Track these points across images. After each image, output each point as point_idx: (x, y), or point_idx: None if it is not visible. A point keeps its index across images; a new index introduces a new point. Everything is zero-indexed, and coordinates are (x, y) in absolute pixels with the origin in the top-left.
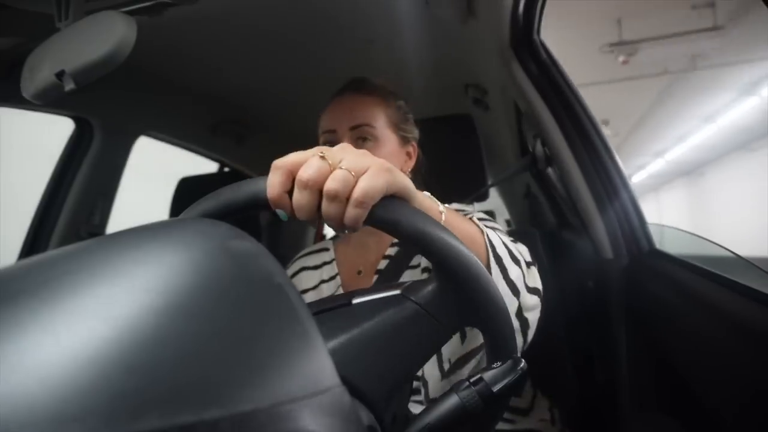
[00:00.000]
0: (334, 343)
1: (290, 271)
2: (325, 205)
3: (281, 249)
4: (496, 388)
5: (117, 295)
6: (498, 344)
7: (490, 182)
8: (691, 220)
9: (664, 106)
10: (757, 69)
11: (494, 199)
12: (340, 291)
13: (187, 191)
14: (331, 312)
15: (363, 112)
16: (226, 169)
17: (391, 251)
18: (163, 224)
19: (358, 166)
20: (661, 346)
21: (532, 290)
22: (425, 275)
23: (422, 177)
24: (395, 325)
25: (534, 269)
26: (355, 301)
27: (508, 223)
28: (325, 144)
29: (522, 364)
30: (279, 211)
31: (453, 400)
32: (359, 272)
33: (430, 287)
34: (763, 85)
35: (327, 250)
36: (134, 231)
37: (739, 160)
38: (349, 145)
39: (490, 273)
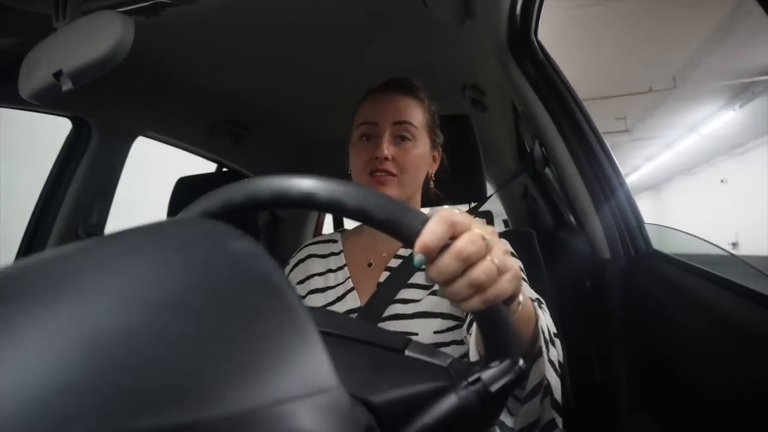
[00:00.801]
0: (383, 388)
1: (298, 257)
2: (462, 285)
3: (279, 249)
4: (494, 388)
5: (115, 295)
6: (496, 344)
7: (487, 182)
8: (655, 220)
9: (614, 153)
10: (662, 139)
11: (492, 199)
12: (350, 282)
13: (185, 191)
14: (382, 350)
15: (407, 110)
16: (224, 170)
17: (404, 252)
18: (161, 224)
19: (504, 265)
20: (658, 345)
21: (561, 366)
22: None
23: (441, 179)
24: (431, 395)
25: (558, 342)
26: (408, 353)
27: (505, 223)
28: (362, 136)
29: (520, 364)
30: (417, 257)
31: (451, 400)
32: (369, 264)
33: (473, 376)
34: (676, 144)
35: (335, 241)
36: (133, 231)
37: (682, 180)
38: (495, 231)
39: (539, 354)
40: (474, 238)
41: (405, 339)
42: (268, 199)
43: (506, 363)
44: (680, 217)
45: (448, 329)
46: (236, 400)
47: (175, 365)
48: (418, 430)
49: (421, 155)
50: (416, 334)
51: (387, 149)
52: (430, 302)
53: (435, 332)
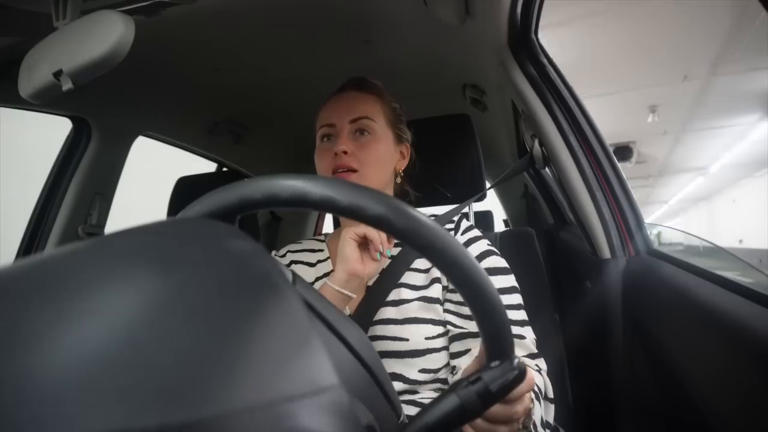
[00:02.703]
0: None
1: (279, 257)
2: None
3: (279, 248)
4: (494, 388)
5: (115, 294)
6: (496, 344)
7: (487, 181)
8: (711, 220)
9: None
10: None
11: (491, 199)
12: None
13: (186, 191)
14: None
15: (363, 107)
16: (224, 169)
17: (393, 251)
18: (162, 224)
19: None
20: (659, 346)
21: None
22: (437, 284)
23: (414, 178)
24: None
25: (552, 406)
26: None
27: (505, 222)
28: (322, 138)
29: (520, 364)
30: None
31: (452, 400)
32: None
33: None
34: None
35: (321, 250)
36: (132, 231)
37: (719, 197)
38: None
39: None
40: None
41: (401, 415)
42: (374, 217)
43: (506, 363)
44: (726, 218)
45: (439, 335)
46: (236, 399)
47: (174, 364)
48: (419, 430)
49: (383, 149)
50: (407, 339)
51: (344, 144)
52: (419, 306)
53: (426, 338)
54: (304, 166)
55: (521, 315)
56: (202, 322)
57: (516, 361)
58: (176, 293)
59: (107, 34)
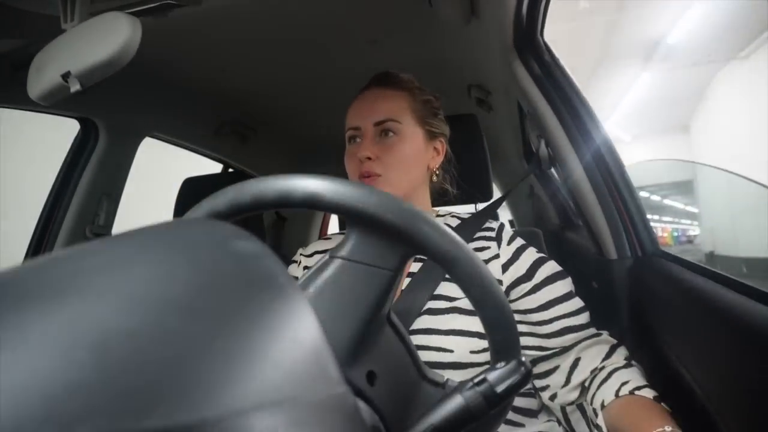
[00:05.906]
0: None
1: (307, 251)
2: None
3: (285, 250)
4: (499, 389)
5: (122, 295)
6: (502, 345)
7: (494, 182)
8: None
9: None
10: None
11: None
12: None
13: (192, 191)
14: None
15: (386, 107)
16: (230, 170)
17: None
18: (168, 224)
19: None
20: (666, 347)
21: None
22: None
23: (453, 174)
24: (328, 284)
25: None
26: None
27: (511, 223)
28: (350, 140)
29: (526, 365)
30: None
31: (457, 401)
32: None
33: (351, 241)
34: None
35: None
36: (139, 231)
37: None
38: None
39: None
40: None
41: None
42: (411, 236)
43: (512, 364)
44: None
45: (484, 350)
46: (240, 399)
47: (180, 365)
48: (424, 431)
49: (410, 149)
50: (451, 351)
51: (368, 149)
52: (457, 317)
53: (471, 352)
54: (310, 167)
55: (587, 316)
56: (207, 324)
57: (522, 362)
58: (181, 294)
59: (115, 36)
